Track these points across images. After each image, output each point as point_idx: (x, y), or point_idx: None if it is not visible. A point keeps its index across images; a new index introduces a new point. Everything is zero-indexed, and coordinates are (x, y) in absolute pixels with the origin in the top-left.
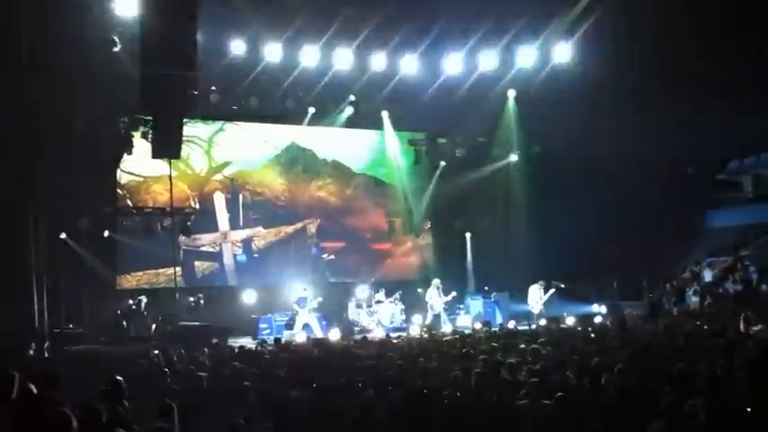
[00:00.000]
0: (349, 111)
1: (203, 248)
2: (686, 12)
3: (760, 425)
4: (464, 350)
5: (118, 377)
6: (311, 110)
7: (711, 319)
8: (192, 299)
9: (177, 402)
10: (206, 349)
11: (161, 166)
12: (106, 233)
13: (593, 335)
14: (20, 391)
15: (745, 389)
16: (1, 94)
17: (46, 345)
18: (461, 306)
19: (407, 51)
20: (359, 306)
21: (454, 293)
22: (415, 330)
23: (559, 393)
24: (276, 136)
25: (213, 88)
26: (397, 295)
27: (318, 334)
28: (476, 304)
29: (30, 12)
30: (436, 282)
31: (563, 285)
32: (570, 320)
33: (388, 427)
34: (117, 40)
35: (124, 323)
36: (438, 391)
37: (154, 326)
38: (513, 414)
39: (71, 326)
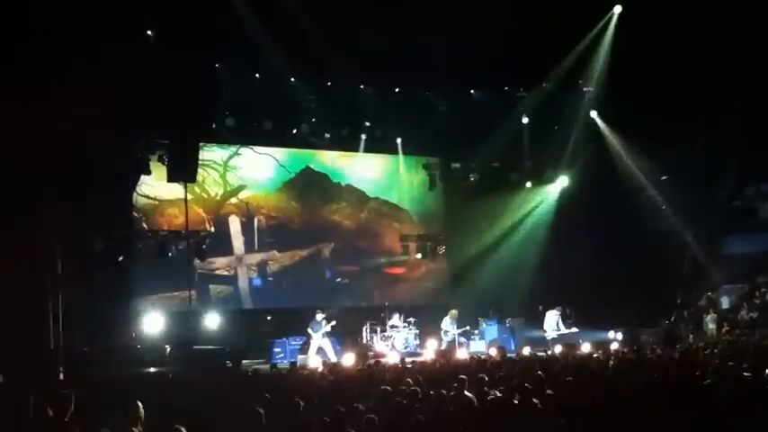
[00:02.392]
0: (363, 136)
1: (218, 272)
2: (700, 33)
3: None
4: (479, 376)
5: (138, 402)
6: (326, 135)
7: (728, 347)
8: (206, 322)
9: (189, 428)
10: (220, 373)
11: (176, 190)
12: (120, 258)
13: (610, 362)
14: (35, 414)
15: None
16: (19, 119)
17: (63, 368)
18: (476, 331)
19: (427, 79)
20: (373, 330)
21: (467, 327)
22: (429, 355)
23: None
24: (291, 160)
25: (227, 113)
26: (411, 320)
27: (333, 358)
28: (491, 330)
29: (47, 39)
30: (453, 312)
31: (572, 318)
32: (586, 347)
33: None
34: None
35: (139, 346)
36: (453, 418)
37: (168, 349)
38: None
39: (86, 349)
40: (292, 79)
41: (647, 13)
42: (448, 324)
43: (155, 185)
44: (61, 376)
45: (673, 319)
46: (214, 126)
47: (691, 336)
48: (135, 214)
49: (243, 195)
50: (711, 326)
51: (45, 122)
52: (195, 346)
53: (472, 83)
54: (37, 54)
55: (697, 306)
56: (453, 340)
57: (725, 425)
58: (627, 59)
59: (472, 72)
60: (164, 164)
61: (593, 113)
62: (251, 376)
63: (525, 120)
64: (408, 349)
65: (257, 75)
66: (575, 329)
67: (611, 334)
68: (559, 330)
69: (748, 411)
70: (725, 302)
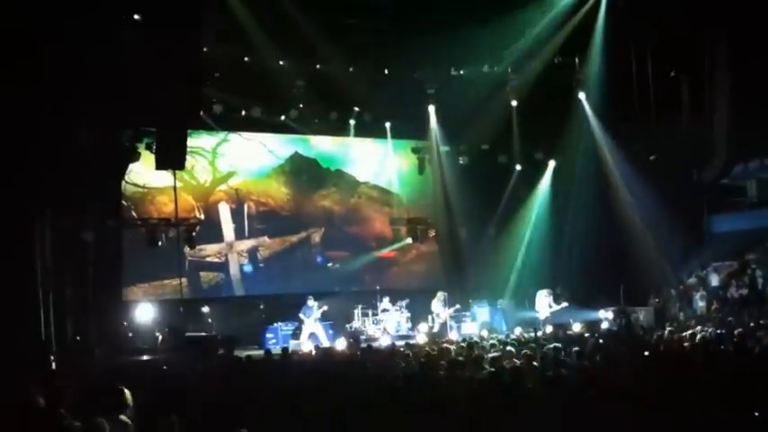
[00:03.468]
0: (352, 121)
1: (209, 259)
2: (688, 12)
3: None
4: (472, 358)
5: (121, 387)
6: (315, 120)
7: (718, 324)
8: (201, 310)
9: (182, 414)
10: (212, 359)
11: (165, 178)
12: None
13: (600, 341)
14: (26, 404)
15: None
16: (5, 110)
17: (54, 357)
18: (467, 314)
19: (415, 63)
20: (365, 314)
21: (458, 306)
22: (421, 339)
23: (564, 400)
24: (280, 145)
25: (214, 100)
26: (402, 303)
27: (325, 343)
28: (482, 312)
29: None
30: (440, 295)
31: (564, 295)
32: (577, 327)
33: None
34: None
35: (130, 335)
36: (447, 400)
37: (160, 337)
38: (519, 420)
39: (78, 338)
40: (281, 62)
41: None
42: (438, 306)
43: (143, 173)
44: (53, 366)
45: (662, 297)
46: (202, 113)
47: (681, 314)
48: (124, 203)
49: (232, 182)
50: (701, 304)
51: (32, 113)
52: (187, 334)
53: (460, 65)
54: (23, 44)
55: (686, 284)
56: (445, 323)
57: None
58: (614, 39)
59: (462, 54)
60: (152, 151)
61: (581, 95)
62: (243, 363)
63: (514, 102)
64: (400, 333)
65: (245, 59)
66: (565, 304)
67: (601, 313)
68: (551, 308)
69: None
70: (714, 280)
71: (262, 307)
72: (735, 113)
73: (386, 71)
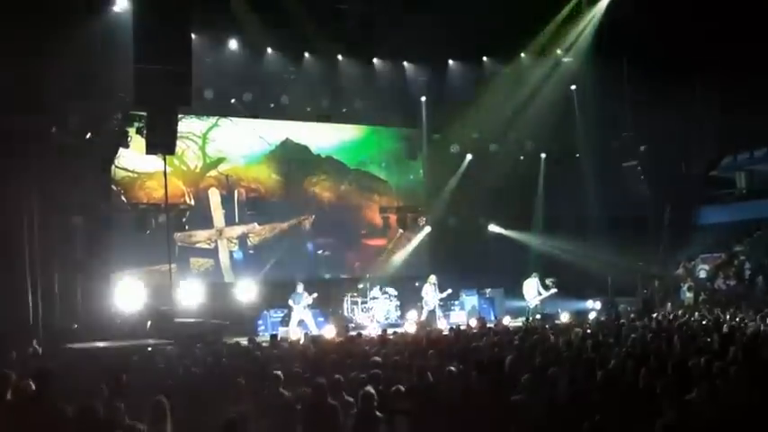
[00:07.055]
0: (344, 108)
1: (198, 245)
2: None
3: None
4: (460, 346)
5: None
6: (307, 109)
7: (705, 315)
8: (187, 296)
9: (170, 399)
10: (200, 346)
11: (155, 162)
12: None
13: (588, 330)
14: (16, 389)
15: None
16: None
17: (41, 342)
18: (456, 302)
19: (406, 50)
20: (354, 302)
21: (450, 290)
22: (410, 326)
23: (554, 388)
24: (271, 132)
25: (205, 85)
26: (391, 291)
27: (314, 330)
28: (470, 300)
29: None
30: (432, 278)
31: (553, 283)
32: (565, 317)
33: (386, 424)
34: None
35: (119, 321)
36: (434, 388)
37: (149, 323)
38: (509, 410)
39: (65, 323)
40: (269, 51)
41: None
42: (428, 292)
43: (133, 158)
44: (40, 351)
45: (650, 288)
46: (193, 98)
47: (669, 305)
48: (113, 187)
49: (222, 168)
50: (689, 295)
51: (19, 95)
52: (176, 320)
53: (450, 54)
54: (15, 24)
55: (674, 275)
56: (433, 310)
57: None
58: (605, 31)
59: (452, 43)
60: (142, 136)
61: (573, 87)
62: (232, 349)
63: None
64: (389, 320)
65: (235, 45)
66: (554, 290)
67: (589, 303)
68: (540, 295)
69: None
70: (702, 272)
71: (251, 293)
72: (724, 106)
73: (377, 59)
